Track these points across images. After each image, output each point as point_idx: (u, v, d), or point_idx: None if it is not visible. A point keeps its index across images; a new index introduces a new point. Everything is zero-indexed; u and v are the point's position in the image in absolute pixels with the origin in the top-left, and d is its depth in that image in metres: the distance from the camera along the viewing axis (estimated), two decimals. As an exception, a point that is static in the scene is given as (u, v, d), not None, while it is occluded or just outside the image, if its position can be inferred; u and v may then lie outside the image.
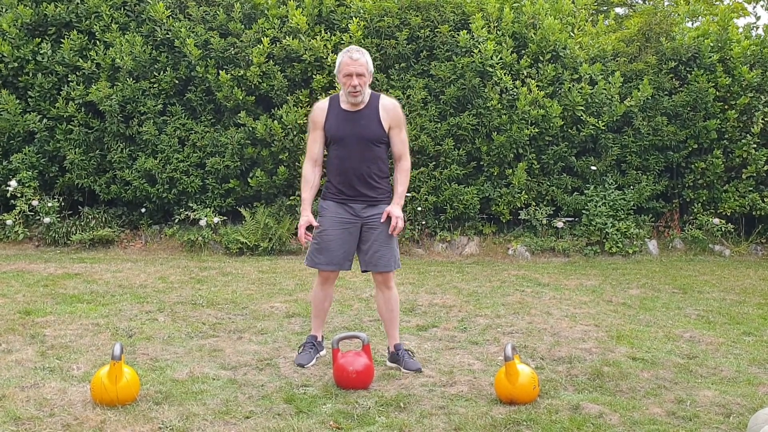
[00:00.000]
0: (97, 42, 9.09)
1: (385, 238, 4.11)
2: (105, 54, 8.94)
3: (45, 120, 9.12)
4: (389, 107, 4.11)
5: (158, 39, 9.03)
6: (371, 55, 8.68)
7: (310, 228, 4.16)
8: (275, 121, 8.77)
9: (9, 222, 8.79)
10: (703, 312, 5.83)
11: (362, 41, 8.69)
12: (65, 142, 9.05)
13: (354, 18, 8.76)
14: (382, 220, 4.09)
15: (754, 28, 10.39)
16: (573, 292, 6.60)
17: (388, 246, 4.13)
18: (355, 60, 3.97)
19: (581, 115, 8.87)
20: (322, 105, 4.17)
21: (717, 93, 9.24)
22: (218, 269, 7.46)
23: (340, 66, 4.01)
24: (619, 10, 17.03)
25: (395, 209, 4.08)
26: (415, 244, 8.83)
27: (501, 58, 8.72)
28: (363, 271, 4.28)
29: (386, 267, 4.14)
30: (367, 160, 4.08)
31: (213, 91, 8.98)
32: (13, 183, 8.85)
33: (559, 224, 9.02)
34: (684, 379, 4.07)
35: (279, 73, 8.79)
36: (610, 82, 8.98)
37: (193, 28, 8.99)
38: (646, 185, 9.15)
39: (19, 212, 8.85)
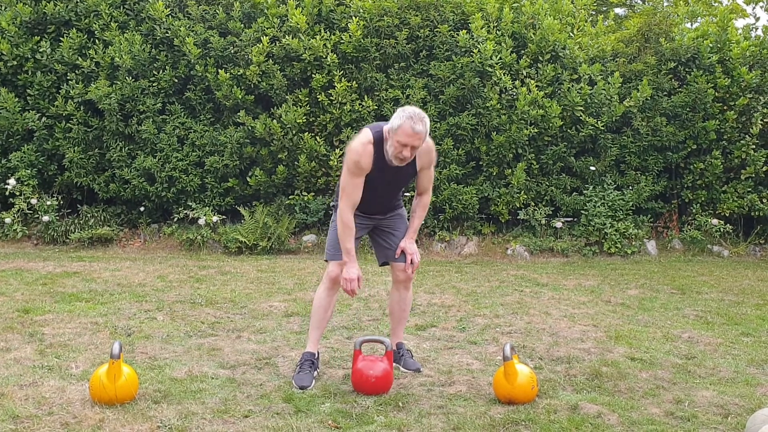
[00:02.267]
0: (97, 40, 9.09)
1: (403, 234, 4.11)
2: (104, 52, 8.94)
3: (44, 118, 9.12)
4: (425, 151, 3.88)
5: (157, 38, 9.02)
6: (371, 55, 8.79)
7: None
8: (274, 121, 8.77)
9: (8, 220, 8.78)
10: (701, 312, 5.83)
11: (362, 41, 8.69)
12: (64, 141, 9.05)
13: (354, 17, 8.76)
14: (396, 256, 4.05)
15: (753, 29, 10.38)
16: (572, 292, 6.61)
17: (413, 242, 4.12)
18: (417, 133, 3.63)
19: (580, 116, 8.87)
20: (370, 151, 3.79)
21: (716, 94, 9.24)
22: (217, 268, 7.45)
23: (399, 130, 3.64)
24: (618, 11, 17.04)
25: (410, 245, 4.03)
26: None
27: (500, 58, 8.73)
28: (381, 265, 4.23)
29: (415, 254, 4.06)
30: (394, 197, 4.11)
31: (212, 90, 8.98)
32: (11, 181, 8.85)
33: (558, 224, 9.02)
34: (682, 380, 4.07)
35: (278, 72, 8.79)
36: (609, 83, 8.99)
37: (193, 26, 8.99)
38: (645, 186, 9.16)
39: (18, 210, 8.85)
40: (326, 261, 4.10)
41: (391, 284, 4.24)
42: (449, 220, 9.00)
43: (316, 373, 3.99)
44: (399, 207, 4.21)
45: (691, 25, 10.18)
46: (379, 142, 3.79)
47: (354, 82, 8.84)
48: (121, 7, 9.21)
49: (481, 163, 9.03)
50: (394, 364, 4.18)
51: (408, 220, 4.18)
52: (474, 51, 8.66)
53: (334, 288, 4.05)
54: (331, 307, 4.10)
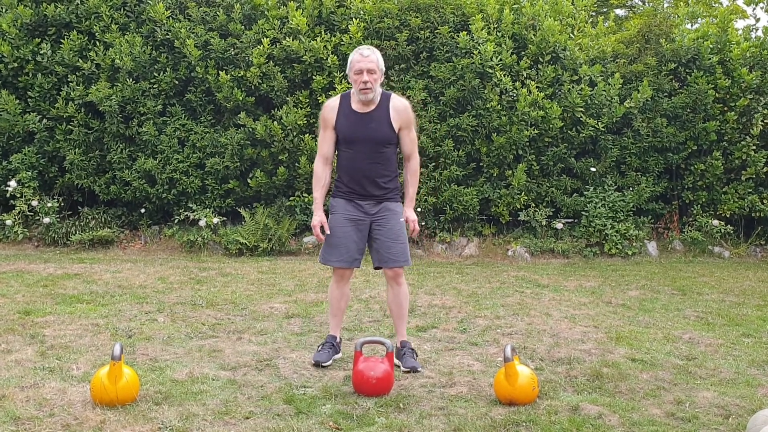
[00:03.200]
0: (97, 42, 9.10)
1: (395, 235, 4.15)
2: (105, 54, 8.94)
3: (45, 120, 9.12)
4: (400, 108, 4.14)
5: (158, 39, 9.03)
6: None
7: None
8: (275, 122, 8.78)
9: (8, 222, 8.79)
10: (702, 313, 5.83)
11: (362, 42, 8.70)
12: (65, 143, 9.05)
13: (354, 19, 8.76)
14: (404, 227, 4.17)
15: (754, 30, 10.38)
16: (572, 293, 6.61)
17: (399, 242, 4.17)
18: (366, 57, 4.00)
19: (581, 117, 8.88)
20: (332, 103, 4.18)
21: (716, 95, 9.25)
22: (218, 270, 7.46)
23: (351, 63, 4.04)
24: (618, 12, 17.05)
25: (410, 213, 4.18)
26: (414, 245, 8.82)
27: (501, 60, 8.73)
28: (376, 268, 4.28)
29: (397, 262, 4.17)
30: (377, 161, 4.13)
31: (213, 92, 8.99)
32: (12, 183, 8.85)
33: (559, 225, 9.02)
34: (683, 381, 4.07)
35: (279, 74, 8.80)
36: (609, 84, 8.99)
37: (193, 28, 9.00)
38: (646, 187, 9.16)
39: (19, 212, 8.85)
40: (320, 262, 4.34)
41: (386, 283, 4.35)
42: (450, 221, 9.00)
43: (337, 355, 4.33)
44: (390, 196, 4.18)
45: (692, 26, 10.18)
46: (345, 96, 4.17)
47: (354, 83, 8.84)
48: (122, 9, 9.21)
49: (481, 164, 9.03)
50: (395, 361, 4.22)
51: (401, 219, 4.20)
52: (474, 52, 8.66)
53: (342, 281, 4.29)
54: (345, 297, 4.36)
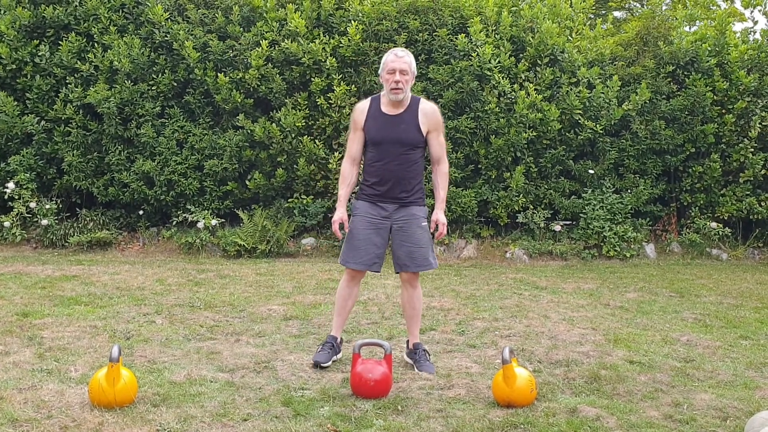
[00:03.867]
0: (96, 44, 9.09)
1: (418, 239, 4.16)
2: (103, 56, 8.94)
3: (43, 122, 9.12)
4: (429, 111, 4.15)
5: (156, 41, 9.03)
6: (370, 59, 8.80)
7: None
8: (273, 124, 8.78)
9: (6, 224, 8.78)
10: (700, 316, 5.84)
11: (360, 45, 8.71)
12: (63, 144, 9.04)
13: (353, 21, 8.77)
14: (431, 230, 4.20)
15: (752, 33, 10.39)
16: (570, 295, 6.61)
17: (424, 246, 4.18)
18: (400, 57, 4.05)
19: (579, 119, 8.88)
20: (362, 106, 4.21)
21: (714, 97, 9.26)
22: (216, 272, 7.45)
23: (385, 63, 4.08)
24: (617, 14, 17.08)
25: (441, 216, 4.18)
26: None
27: (499, 62, 8.74)
28: (396, 273, 4.29)
29: (421, 266, 4.20)
30: (404, 163, 4.13)
31: (211, 94, 8.99)
32: (10, 185, 8.84)
33: (557, 228, 9.03)
34: (681, 383, 4.07)
35: (277, 75, 8.80)
36: (608, 86, 9.00)
37: (192, 30, 9.00)
38: (644, 189, 9.17)
39: (17, 214, 8.84)
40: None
41: (401, 285, 4.39)
42: (448, 223, 8.98)
43: (336, 356, 4.31)
44: (414, 200, 4.19)
45: (690, 28, 10.19)
46: (375, 98, 4.21)
47: (353, 85, 8.85)
48: (120, 11, 9.21)
49: (479, 166, 9.04)
50: (411, 362, 4.28)
51: (427, 226, 4.22)
52: (473, 55, 8.67)
53: (353, 282, 4.30)
54: (352, 298, 4.35)
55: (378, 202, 4.18)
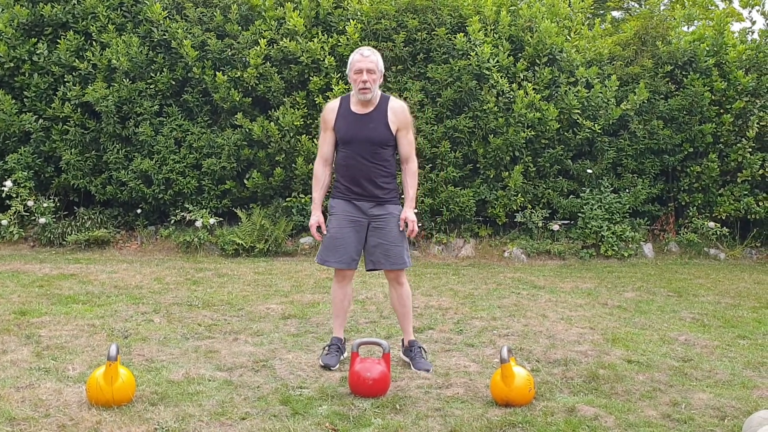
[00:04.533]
0: (94, 42, 9.08)
1: (394, 237, 4.17)
2: (101, 55, 8.93)
3: (41, 120, 9.11)
4: (397, 109, 4.18)
5: (155, 40, 9.02)
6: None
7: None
8: (272, 123, 8.77)
9: (4, 222, 8.77)
10: (698, 315, 5.85)
11: (359, 44, 8.70)
12: (61, 143, 9.04)
13: (351, 20, 8.77)
14: (401, 228, 4.18)
15: (750, 33, 10.41)
16: (569, 294, 6.61)
17: (399, 244, 4.19)
18: (366, 57, 4.08)
19: (577, 119, 8.89)
20: (332, 106, 4.25)
21: (712, 97, 9.27)
22: (214, 270, 7.45)
23: (351, 63, 4.12)
24: (615, 14, 17.09)
25: (410, 213, 4.17)
26: (411, 246, 8.83)
27: (498, 61, 8.74)
28: (368, 270, 4.30)
29: (396, 264, 4.20)
30: (375, 161, 4.15)
31: (210, 93, 8.98)
32: (8, 183, 8.83)
33: (555, 227, 9.03)
34: (679, 382, 4.08)
35: (276, 74, 8.80)
36: (606, 86, 9.00)
37: (190, 29, 8.99)
38: (642, 188, 9.17)
39: (15, 212, 8.83)
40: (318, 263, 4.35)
41: (388, 285, 4.39)
42: (446, 222, 9.00)
43: (343, 356, 4.32)
44: (389, 198, 4.20)
45: (688, 28, 10.20)
46: (345, 98, 4.25)
47: (351, 84, 8.84)
48: (119, 10, 9.20)
49: (478, 165, 9.04)
50: (407, 359, 4.28)
51: (399, 224, 4.21)
52: (471, 54, 8.67)
53: (344, 281, 4.31)
54: (347, 297, 4.37)
55: (354, 200, 4.19)
